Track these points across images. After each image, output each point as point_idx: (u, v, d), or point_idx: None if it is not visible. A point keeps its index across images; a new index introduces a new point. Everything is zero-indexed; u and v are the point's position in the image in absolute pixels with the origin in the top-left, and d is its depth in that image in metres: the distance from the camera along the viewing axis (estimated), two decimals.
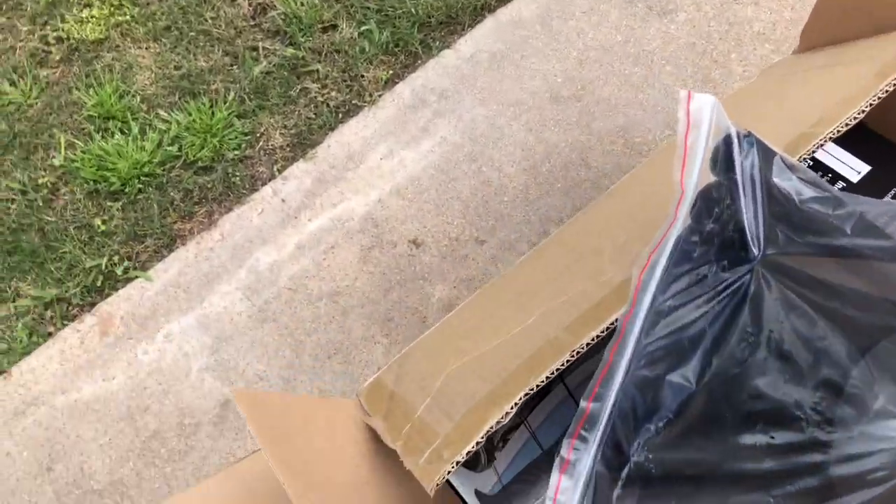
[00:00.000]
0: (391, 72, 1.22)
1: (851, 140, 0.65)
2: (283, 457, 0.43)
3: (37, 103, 1.24)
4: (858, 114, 0.51)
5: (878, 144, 0.64)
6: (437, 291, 1.01)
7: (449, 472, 0.44)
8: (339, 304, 1.01)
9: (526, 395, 0.45)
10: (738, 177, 0.44)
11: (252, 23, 1.31)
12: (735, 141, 0.44)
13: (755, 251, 0.43)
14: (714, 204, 0.45)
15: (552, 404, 0.55)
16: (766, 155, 0.45)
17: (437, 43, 1.25)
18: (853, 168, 0.64)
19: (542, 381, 0.46)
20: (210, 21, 1.31)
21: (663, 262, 0.44)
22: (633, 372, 0.44)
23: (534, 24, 1.22)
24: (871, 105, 0.51)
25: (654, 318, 0.46)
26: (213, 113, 1.19)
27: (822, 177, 0.64)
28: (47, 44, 1.31)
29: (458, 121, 1.14)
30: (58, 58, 1.29)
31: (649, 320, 0.45)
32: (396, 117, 1.16)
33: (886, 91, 0.51)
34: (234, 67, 1.25)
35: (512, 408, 0.45)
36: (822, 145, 0.52)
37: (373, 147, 1.14)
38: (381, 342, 0.98)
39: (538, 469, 0.54)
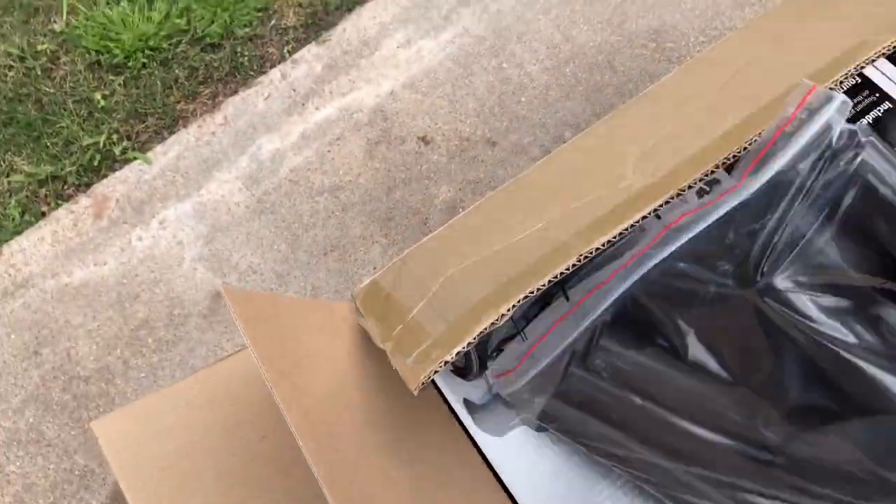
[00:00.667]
0: None
1: None
2: (271, 356, 0.40)
3: None
4: None
5: None
6: (441, 193, 0.95)
7: (435, 373, 0.42)
8: (340, 199, 0.96)
9: (526, 297, 0.42)
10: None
11: None
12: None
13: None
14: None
15: (553, 317, 0.50)
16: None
17: None
18: None
19: (544, 285, 0.43)
20: None
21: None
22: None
23: None
24: None
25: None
26: None
27: (868, 96, 0.56)
28: None
29: (484, 11, 1.05)
30: None
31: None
32: (418, 2, 1.07)
33: None
34: None
35: (509, 310, 0.42)
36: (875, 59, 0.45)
37: (390, 34, 1.06)
38: (379, 241, 0.94)
39: None
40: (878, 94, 0.56)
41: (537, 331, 0.49)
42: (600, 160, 0.54)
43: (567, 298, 0.51)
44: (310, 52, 1.07)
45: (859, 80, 0.57)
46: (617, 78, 0.98)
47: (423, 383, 0.41)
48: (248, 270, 0.94)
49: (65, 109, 1.06)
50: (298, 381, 0.41)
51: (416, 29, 1.06)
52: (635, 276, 0.45)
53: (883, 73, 0.57)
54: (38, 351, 0.93)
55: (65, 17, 1.12)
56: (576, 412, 0.47)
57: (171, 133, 1.04)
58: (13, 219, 1.01)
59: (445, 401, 0.51)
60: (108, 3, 1.13)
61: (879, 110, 0.56)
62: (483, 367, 0.51)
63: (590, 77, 0.99)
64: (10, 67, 1.09)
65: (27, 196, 1.03)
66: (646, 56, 0.99)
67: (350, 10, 1.10)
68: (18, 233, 1.00)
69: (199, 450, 0.42)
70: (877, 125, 0.55)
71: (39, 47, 1.10)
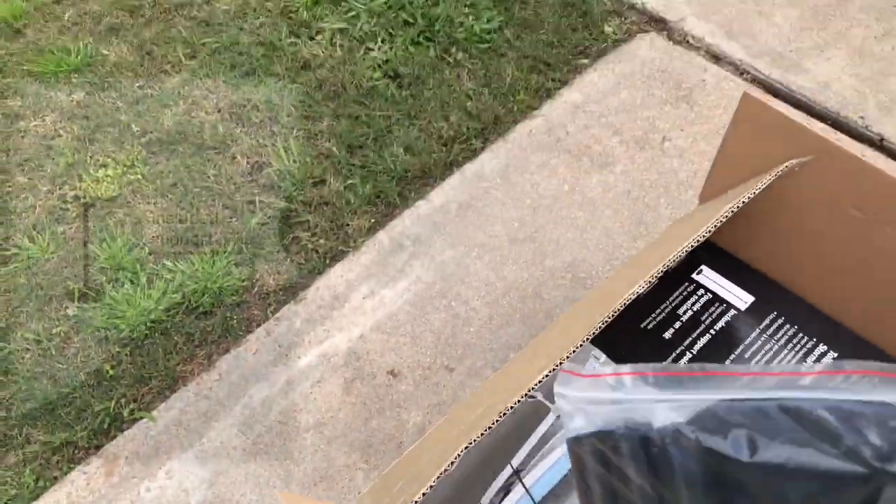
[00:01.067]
0: (373, 220, 1.38)
1: (740, 276, 0.79)
2: None
3: (53, 257, 1.38)
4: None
5: (760, 279, 0.79)
6: (412, 417, 1.11)
7: None
8: (324, 434, 1.11)
9: (465, 448, 0.55)
10: None
11: (249, 178, 1.48)
12: None
13: None
14: None
15: (512, 502, 0.66)
16: None
17: (413, 194, 1.41)
18: (741, 298, 0.77)
19: (472, 442, 0.55)
20: (212, 178, 1.48)
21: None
22: None
23: (495, 177, 1.39)
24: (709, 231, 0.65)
25: None
26: (213, 262, 1.33)
27: (717, 307, 0.77)
28: (65, 202, 1.47)
29: (431, 262, 1.28)
30: (74, 215, 1.45)
31: None
32: (377, 261, 1.30)
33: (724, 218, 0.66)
34: (233, 219, 1.41)
35: (454, 460, 0.55)
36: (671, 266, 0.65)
37: (356, 288, 1.27)
38: (361, 468, 1.08)
39: None
40: (724, 304, 0.77)
41: None
42: (510, 378, 0.72)
43: (523, 485, 0.67)
44: (289, 310, 1.27)
45: (710, 296, 0.78)
46: (545, 304, 1.20)
47: None
48: None
49: (77, 381, 1.21)
50: None
51: (378, 282, 1.28)
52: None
53: (719, 285, 0.78)
54: None
55: (76, 302, 1.32)
56: None
57: (173, 392, 1.20)
58: (28, 486, 1.12)
59: None
60: (113, 287, 1.33)
61: (728, 316, 0.76)
62: None
63: (523, 306, 1.20)
64: (27, 350, 1.26)
65: (41, 464, 1.15)
66: (566, 285, 1.21)
67: (321, 273, 1.32)
68: (34, 499, 1.11)
69: None
70: (726, 331, 0.75)
71: (54, 330, 1.28)
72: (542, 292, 1.22)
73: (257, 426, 1.14)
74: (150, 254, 1.37)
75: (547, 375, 0.59)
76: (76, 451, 1.15)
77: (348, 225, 1.37)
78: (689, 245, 0.66)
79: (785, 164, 0.70)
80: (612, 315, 0.64)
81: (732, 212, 0.65)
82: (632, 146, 1.38)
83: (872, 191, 0.65)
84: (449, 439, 0.62)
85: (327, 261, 1.33)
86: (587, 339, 0.63)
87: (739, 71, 1.52)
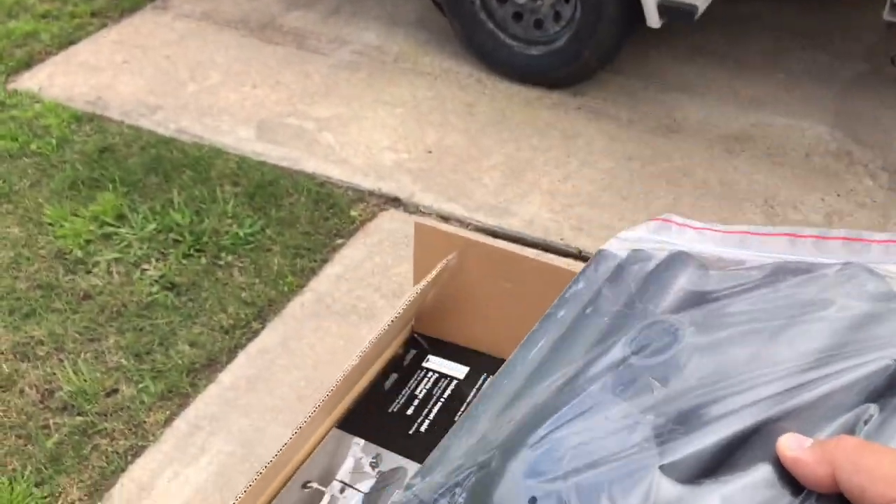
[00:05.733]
0: (168, 412, 1.48)
1: (455, 355, 1.02)
2: None
3: None
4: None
5: (469, 353, 1.02)
6: None
7: None
8: None
9: None
10: None
11: (41, 405, 1.54)
12: None
13: None
14: None
15: None
16: None
17: (203, 381, 1.54)
18: (459, 371, 1.00)
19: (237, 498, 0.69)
20: (1, 413, 1.51)
21: None
22: None
23: (276, 348, 1.57)
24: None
25: None
26: (12, 489, 1.36)
27: (443, 381, 0.99)
28: None
29: (229, 434, 1.40)
30: None
31: None
32: (177, 446, 1.40)
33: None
34: (28, 445, 1.45)
35: None
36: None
37: (159, 475, 1.35)
38: None
39: None
40: (447, 378, 0.99)
41: None
42: None
43: None
44: None
45: (437, 375, 1.00)
46: None
47: None
48: None
49: None
50: None
51: (180, 463, 1.37)
52: None
53: (442, 365, 1.01)
54: None
55: None
56: None
57: None
58: None
59: None
60: None
61: (452, 385, 0.98)
62: None
63: None
64: None
65: None
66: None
67: (123, 471, 1.38)
68: None
69: None
70: None
71: None
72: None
73: None
74: None
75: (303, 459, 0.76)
76: None
77: (145, 422, 1.47)
78: (383, 330, 0.88)
79: (445, 260, 0.96)
80: (335, 385, 0.83)
81: (409, 300, 0.89)
82: (391, 297, 1.64)
83: (515, 267, 0.93)
84: None
85: (129, 458, 1.41)
86: (316, 410, 0.81)
87: (465, 224, 1.87)
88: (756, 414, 0.35)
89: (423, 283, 0.92)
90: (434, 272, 0.94)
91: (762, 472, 0.33)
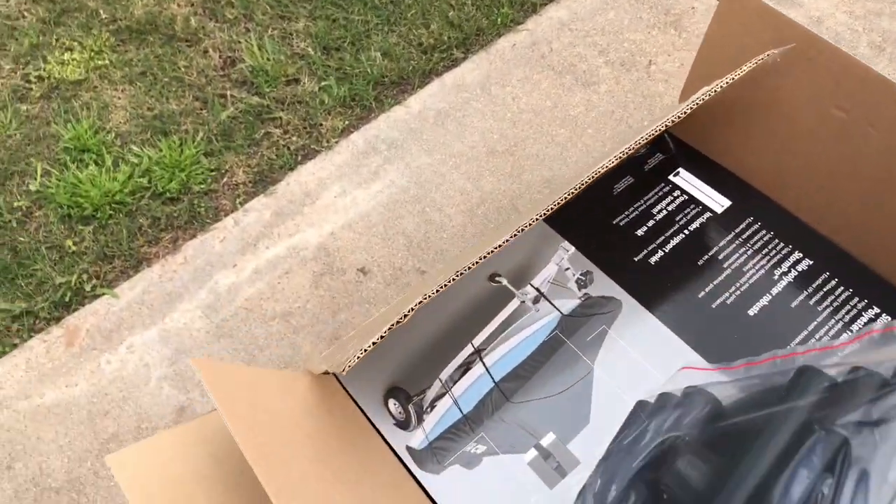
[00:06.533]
0: (347, 122, 1.36)
1: (717, 180, 0.81)
2: (236, 411, 0.54)
3: (16, 135, 1.34)
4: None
5: (738, 184, 0.81)
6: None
7: (357, 358, 0.54)
8: (291, 323, 1.12)
9: (412, 309, 0.56)
10: None
11: (221, 73, 1.45)
12: None
13: None
14: None
15: (472, 379, 0.68)
16: None
17: (389, 100, 1.40)
18: (717, 202, 0.79)
19: (427, 297, 0.56)
20: (183, 69, 1.44)
21: None
22: None
23: (475, 87, 1.38)
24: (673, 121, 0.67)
25: None
26: (182, 150, 1.31)
27: (694, 208, 0.79)
28: (28, 81, 1.42)
29: (406, 167, 1.28)
30: (38, 94, 1.40)
31: None
32: (350, 162, 1.30)
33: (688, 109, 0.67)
34: (204, 111, 1.38)
35: (403, 317, 0.55)
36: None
37: (327, 186, 1.27)
38: None
39: (458, 429, 0.66)
40: (700, 207, 0.79)
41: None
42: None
43: (485, 368, 0.69)
44: (259, 202, 1.26)
45: (685, 198, 0.80)
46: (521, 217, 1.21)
47: (348, 366, 0.55)
48: None
49: (38, 254, 1.19)
50: (256, 427, 0.55)
51: (350, 182, 1.27)
52: None
53: (695, 187, 0.80)
54: (11, 465, 1.00)
55: (39, 178, 1.28)
56: None
57: (137, 272, 1.19)
58: None
59: (391, 447, 0.66)
60: (77, 167, 1.30)
61: (703, 218, 0.78)
62: (420, 420, 0.67)
63: (498, 216, 1.21)
64: None
65: (0, 331, 1.13)
66: (542, 199, 1.22)
67: (292, 169, 1.30)
68: None
69: (195, 478, 0.55)
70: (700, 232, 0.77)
71: (16, 204, 1.25)
72: (518, 205, 1.23)
73: (222, 311, 1.14)
74: (116, 137, 1.34)
75: (500, 246, 0.61)
76: (36, 321, 1.14)
77: (321, 125, 1.36)
78: (656, 129, 0.67)
79: (766, 53, 0.71)
80: (568, 196, 0.65)
81: (708, 95, 0.66)
82: (617, 67, 1.39)
83: (858, 89, 0.66)
84: (403, 302, 0.63)
85: (299, 158, 1.32)
86: (541, 216, 0.64)
87: None
88: None
89: (725, 80, 0.68)
90: (744, 68, 0.70)
91: None
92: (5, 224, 1.22)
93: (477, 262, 0.61)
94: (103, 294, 1.16)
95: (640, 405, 0.62)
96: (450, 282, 0.58)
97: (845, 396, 0.45)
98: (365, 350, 0.56)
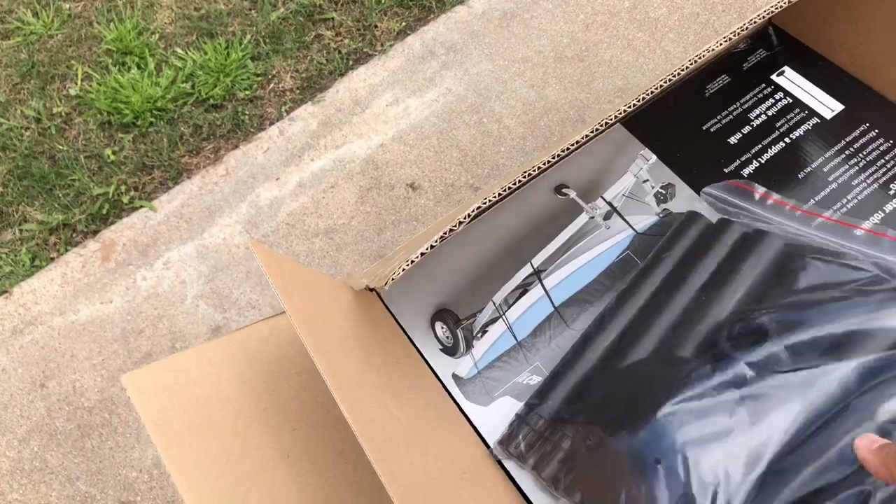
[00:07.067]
0: (403, 24, 1.24)
1: (826, 80, 0.66)
2: (293, 301, 0.45)
3: (58, 34, 1.27)
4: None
5: (855, 86, 0.66)
6: None
7: (403, 270, 0.45)
8: (334, 240, 1.03)
9: (468, 215, 0.46)
10: None
11: None
12: None
13: None
14: None
15: (529, 302, 0.58)
16: None
17: None
18: (827, 106, 0.65)
19: (485, 202, 0.47)
20: None
21: None
22: None
23: None
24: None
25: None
26: (228, 54, 1.22)
27: (798, 113, 0.65)
28: None
29: (465, 74, 1.16)
30: None
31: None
32: (405, 67, 1.18)
33: None
34: (252, 11, 1.28)
35: (457, 224, 0.46)
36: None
37: (379, 94, 1.16)
38: None
39: (511, 357, 0.56)
40: (806, 111, 0.65)
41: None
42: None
43: (545, 290, 0.58)
44: (306, 110, 1.16)
45: (790, 101, 0.66)
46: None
47: (392, 279, 0.46)
48: (247, 306, 1.00)
49: (77, 164, 1.13)
50: (318, 329, 0.46)
51: (403, 89, 1.16)
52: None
53: (803, 89, 0.66)
54: (45, 384, 0.97)
55: (79, 83, 1.22)
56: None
57: (176, 184, 1.12)
58: (23, 265, 1.07)
59: (437, 375, 0.57)
60: (119, 71, 1.22)
61: (809, 124, 0.65)
62: (469, 346, 0.57)
63: (562, 129, 1.09)
64: (27, 128, 1.17)
65: (37, 244, 1.09)
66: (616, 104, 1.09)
67: (342, 75, 1.20)
68: (29, 276, 1.05)
69: (218, 399, 0.47)
70: (807, 138, 0.64)
71: (55, 110, 1.19)
72: (585, 116, 1.09)
73: (263, 226, 1.06)
74: (160, 39, 1.26)
75: (569, 149, 0.49)
76: (73, 234, 1.09)
77: (376, 27, 1.24)
78: (759, 17, 0.53)
79: None
80: (646, 97, 0.53)
81: None
82: None
83: None
84: (456, 212, 0.52)
85: (350, 62, 1.21)
86: (619, 117, 0.52)
87: None
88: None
89: None
90: None
91: None
92: (44, 131, 1.17)
93: (541, 168, 0.50)
94: (141, 206, 1.10)
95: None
96: (508, 189, 0.48)
97: None
98: (411, 262, 0.46)
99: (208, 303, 1.01)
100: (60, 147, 1.15)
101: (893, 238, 0.56)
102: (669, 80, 0.54)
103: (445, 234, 0.46)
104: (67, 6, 1.31)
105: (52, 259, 1.07)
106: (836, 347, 0.48)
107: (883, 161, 0.61)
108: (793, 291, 0.52)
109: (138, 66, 1.23)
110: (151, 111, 1.17)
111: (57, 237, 1.09)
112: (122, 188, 1.12)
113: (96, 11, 1.30)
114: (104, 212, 1.10)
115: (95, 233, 1.09)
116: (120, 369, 0.97)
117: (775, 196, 0.59)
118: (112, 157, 1.14)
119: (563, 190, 0.65)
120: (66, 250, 1.07)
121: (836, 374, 0.47)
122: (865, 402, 0.47)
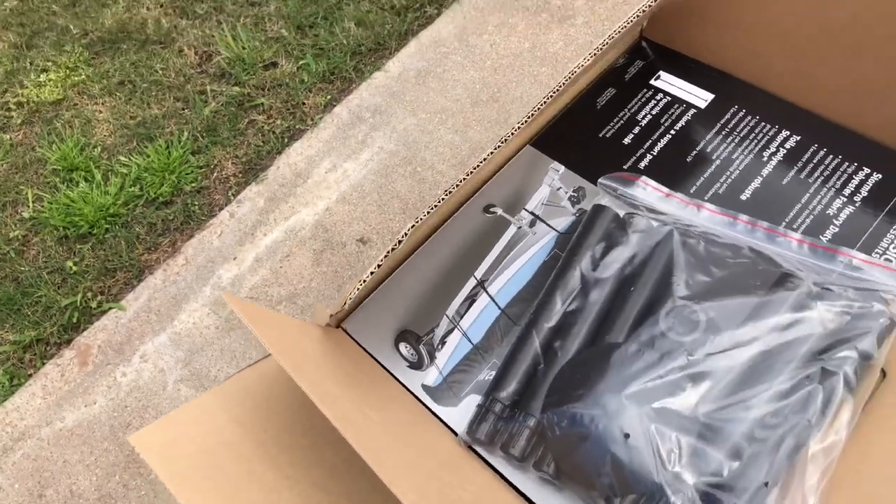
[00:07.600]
0: (329, 97, 1.33)
1: (696, 76, 0.76)
2: (277, 346, 0.51)
3: (2, 165, 1.33)
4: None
5: (718, 77, 0.76)
6: None
7: (357, 290, 0.54)
8: (297, 303, 1.09)
9: (405, 234, 0.54)
10: None
11: (199, 69, 1.42)
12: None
13: None
14: None
15: (478, 310, 0.65)
16: None
17: (369, 67, 1.36)
18: (700, 97, 0.75)
19: (418, 221, 0.55)
20: (160, 72, 1.42)
21: None
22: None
23: (452, 41, 1.34)
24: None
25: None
26: (169, 153, 1.29)
27: (678, 108, 0.75)
28: (8, 109, 1.41)
29: (392, 131, 1.25)
30: (19, 121, 1.39)
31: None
32: (337, 135, 1.26)
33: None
34: (186, 110, 1.36)
35: (397, 243, 0.54)
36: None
37: (317, 163, 1.24)
38: None
39: (470, 360, 0.64)
40: (684, 105, 0.75)
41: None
42: None
43: (490, 298, 0.66)
44: (251, 191, 1.23)
45: (668, 99, 0.75)
46: None
47: (349, 298, 0.52)
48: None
49: (40, 280, 1.18)
50: (297, 361, 0.52)
51: (339, 155, 1.24)
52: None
53: (677, 87, 0.76)
54: (42, 493, 1.00)
55: (31, 205, 1.27)
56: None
57: (140, 281, 1.17)
58: (2, 385, 1.10)
59: (408, 389, 0.63)
60: (68, 187, 1.29)
61: (688, 115, 0.74)
62: (432, 358, 0.64)
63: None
64: None
65: (13, 364, 1.13)
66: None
67: (280, 153, 1.28)
68: (11, 395, 1.09)
69: (220, 443, 0.53)
70: (686, 130, 0.73)
71: (11, 234, 1.24)
72: None
73: (229, 305, 1.12)
74: (102, 151, 1.33)
75: (485, 160, 0.57)
76: (47, 347, 1.13)
77: (304, 103, 1.33)
78: (621, 27, 0.63)
79: None
80: (544, 106, 0.63)
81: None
82: None
83: None
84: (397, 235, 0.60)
85: (285, 140, 1.29)
86: (521, 127, 0.61)
87: None
88: None
89: None
90: None
91: None
92: (3, 256, 1.22)
93: (464, 180, 0.58)
94: (110, 308, 1.15)
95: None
96: (440, 202, 0.56)
97: None
98: (363, 282, 0.53)
99: (189, 385, 1.05)
100: (22, 268, 1.20)
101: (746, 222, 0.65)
102: (559, 88, 0.63)
103: (388, 252, 0.53)
104: (8, 137, 1.38)
105: (30, 375, 1.11)
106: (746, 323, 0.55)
107: (753, 134, 0.71)
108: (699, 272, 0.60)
109: (86, 180, 1.29)
110: (105, 218, 1.23)
111: (32, 353, 1.13)
112: (89, 294, 1.17)
113: (37, 136, 1.37)
114: (74, 320, 1.14)
115: (69, 341, 1.13)
116: (113, 464, 1.01)
117: (653, 183, 0.68)
118: (74, 268, 1.19)
119: (491, 209, 0.73)
120: (43, 364, 1.11)
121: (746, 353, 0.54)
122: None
